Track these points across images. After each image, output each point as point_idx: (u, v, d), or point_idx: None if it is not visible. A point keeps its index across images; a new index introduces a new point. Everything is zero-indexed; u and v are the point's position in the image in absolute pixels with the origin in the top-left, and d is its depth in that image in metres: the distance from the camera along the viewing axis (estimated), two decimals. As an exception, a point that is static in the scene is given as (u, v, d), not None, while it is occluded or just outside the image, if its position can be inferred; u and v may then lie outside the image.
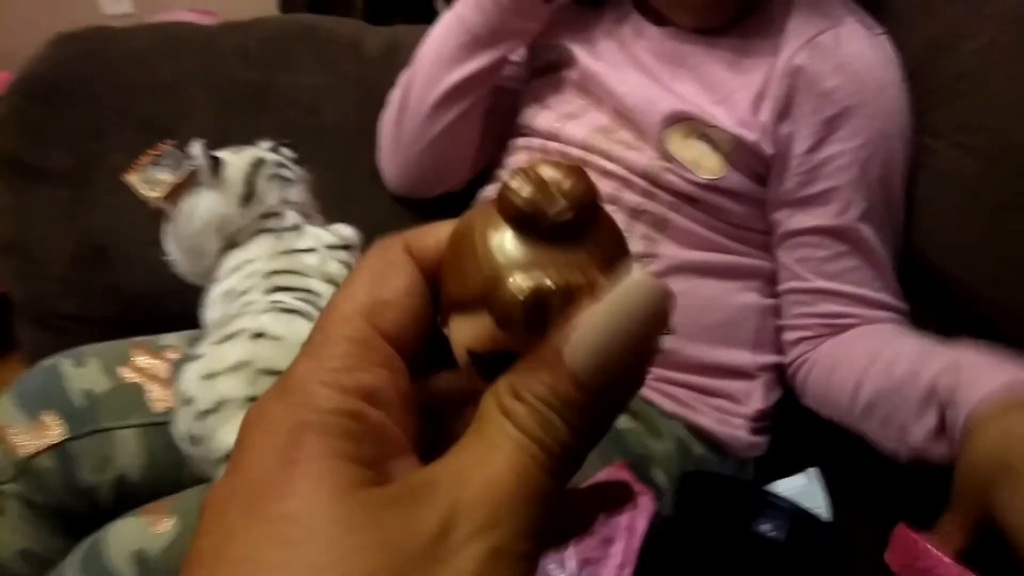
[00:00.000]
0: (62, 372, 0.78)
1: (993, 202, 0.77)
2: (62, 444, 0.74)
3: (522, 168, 0.20)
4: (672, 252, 0.83)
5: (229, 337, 0.68)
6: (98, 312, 0.97)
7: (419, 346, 0.22)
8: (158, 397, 0.78)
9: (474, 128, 0.97)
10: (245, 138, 0.81)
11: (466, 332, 0.21)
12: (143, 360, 0.80)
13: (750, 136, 0.81)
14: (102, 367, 0.79)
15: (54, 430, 0.75)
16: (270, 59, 1.05)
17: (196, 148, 0.75)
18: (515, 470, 0.19)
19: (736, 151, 0.81)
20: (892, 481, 0.87)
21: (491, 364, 0.20)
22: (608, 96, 0.88)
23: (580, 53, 0.91)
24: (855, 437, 0.91)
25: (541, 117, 0.92)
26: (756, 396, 0.85)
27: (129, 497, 0.76)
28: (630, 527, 0.69)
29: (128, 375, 0.79)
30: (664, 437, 0.81)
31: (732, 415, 0.84)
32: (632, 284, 0.19)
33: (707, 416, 0.83)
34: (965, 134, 0.79)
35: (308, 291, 0.72)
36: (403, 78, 0.96)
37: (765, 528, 0.71)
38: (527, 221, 0.20)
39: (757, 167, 0.83)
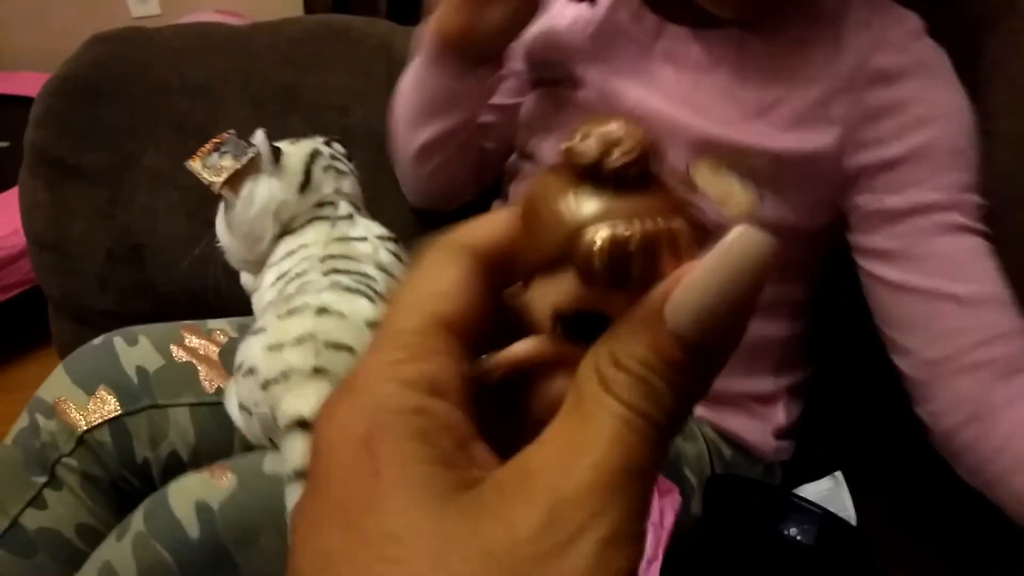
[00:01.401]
0: (116, 350, 0.79)
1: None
2: (118, 418, 0.75)
3: (582, 125, 0.20)
4: None
5: (292, 312, 0.69)
6: (133, 309, 0.99)
7: (481, 336, 0.22)
8: (208, 378, 0.80)
9: (465, 164, 0.95)
10: (276, 137, 0.82)
11: (550, 293, 0.21)
12: (193, 340, 0.82)
13: (796, 149, 0.73)
14: (154, 346, 0.80)
15: (110, 404, 0.76)
16: (302, 59, 1.06)
17: (259, 136, 0.76)
18: (621, 448, 0.18)
19: (776, 174, 0.73)
20: (918, 486, 0.86)
21: (578, 326, 0.20)
22: None
23: (584, 70, 0.81)
24: (879, 442, 0.90)
25: (546, 145, 0.86)
26: (779, 414, 0.84)
27: (178, 472, 0.76)
28: (658, 522, 0.68)
29: (179, 354, 0.80)
30: (694, 439, 0.81)
31: (759, 421, 0.83)
32: (740, 238, 0.17)
33: (734, 421, 0.82)
34: (994, 120, 0.76)
35: (364, 275, 0.73)
36: (392, 113, 0.95)
37: (793, 532, 0.71)
38: (593, 172, 0.20)
39: (803, 187, 0.75)
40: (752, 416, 0.83)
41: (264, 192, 0.76)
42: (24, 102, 1.94)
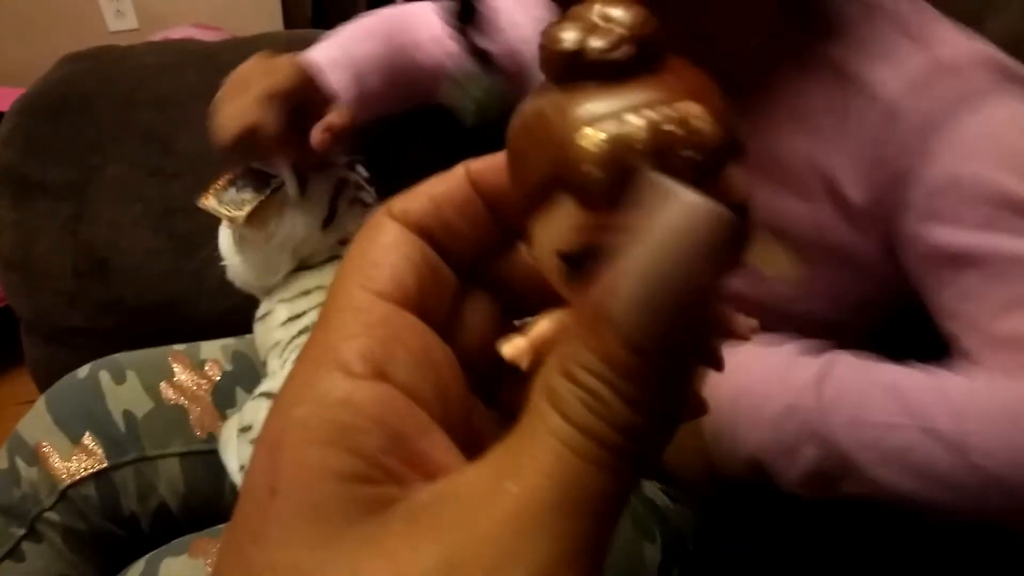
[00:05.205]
0: (102, 388, 0.75)
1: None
2: (104, 471, 0.72)
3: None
4: None
5: None
6: (103, 324, 0.98)
7: (443, 309, 0.19)
8: (199, 421, 0.76)
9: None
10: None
11: (550, 235, 0.16)
12: (184, 376, 0.78)
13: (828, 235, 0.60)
14: (142, 384, 0.76)
15: (95, 455, 0.72)
16: (271, 72, 1.06)
17: (284, 167, 0.72)
18: (560, 475, 0.14)
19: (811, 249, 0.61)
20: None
21: (587, 267, 0.16)
22: None
23: None
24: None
25: None
26: None
27: (167, 523, 0.74)
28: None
29: (170, 395, 0.77)
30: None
31: None
32: (676, 212, 0.13)
33: None
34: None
35: None
36: None
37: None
38: (578, 65, 0.16)
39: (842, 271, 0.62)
40: None
41: (287, 227, 0.72)
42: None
